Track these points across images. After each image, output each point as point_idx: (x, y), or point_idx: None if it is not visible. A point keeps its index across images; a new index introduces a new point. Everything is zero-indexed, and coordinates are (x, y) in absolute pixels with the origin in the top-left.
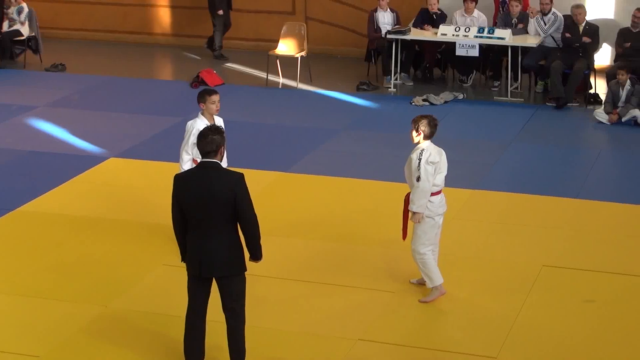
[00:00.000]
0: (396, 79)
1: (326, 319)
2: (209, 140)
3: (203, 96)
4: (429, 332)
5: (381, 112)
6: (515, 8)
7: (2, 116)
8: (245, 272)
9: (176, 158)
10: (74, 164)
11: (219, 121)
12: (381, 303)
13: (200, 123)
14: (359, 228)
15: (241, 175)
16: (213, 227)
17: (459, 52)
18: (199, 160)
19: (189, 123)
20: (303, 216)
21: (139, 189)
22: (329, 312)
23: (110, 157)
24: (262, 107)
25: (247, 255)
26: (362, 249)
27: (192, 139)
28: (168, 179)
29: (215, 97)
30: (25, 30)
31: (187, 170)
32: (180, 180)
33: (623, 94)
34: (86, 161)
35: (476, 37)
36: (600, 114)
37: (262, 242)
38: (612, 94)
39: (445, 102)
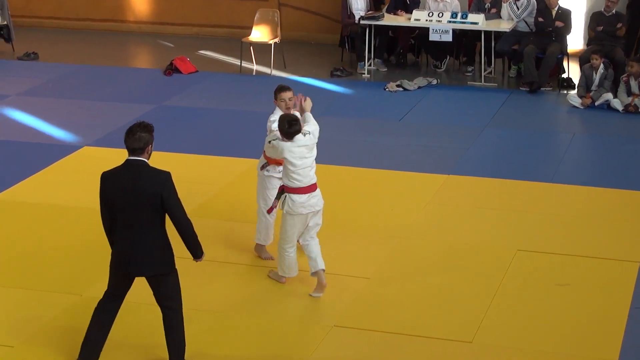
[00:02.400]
0: (370, 65)
1: (301, 306)
2: (136, 137)
3: (275, 93)
4: (404, 318)
5: (355, 98)
6: None
7: None
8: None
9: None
10: (48, 153)
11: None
12: (356, 289)
13: (276, 115)
14: (332, 214)
15: (168, 174)
16: (140, 226)
17: (433, 37)
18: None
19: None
20: None
21: None
22: (304, 299)
23: (84, 145)
24: (236, 94)
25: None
26: (335, 235)
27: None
28: None
29: (286, 95)
30: None
31: (114, 169)
32: (107, 178)
33: (596, 77)
34: (60, 150)
35: (449, 22)
36: (573, 98)
37: (238, 228)
38: (586, 78)
39: (419, 87)
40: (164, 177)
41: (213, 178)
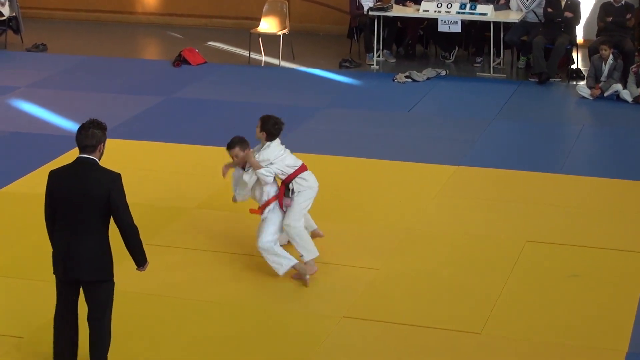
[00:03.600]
0: (378, 56)
1: (311, 296)
2: (89, 133)
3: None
4: (413, 309)
5: (363, 90)
6: None
7: None
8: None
9: (158, 137)
10: (57, 144)
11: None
12: (365, 280)
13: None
14: (340, 205)
15: (118, 175)
16: (83, 227)
17: (441, 28)
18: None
19: None
20: None
21: (122, 169)
22: (313, 290)
23: None
24: (244, 86)
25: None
26: (344, 227)
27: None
28: (150, 159)
29: (231, 152)
30: (5, 11)
31: (62, 166)
32: (54, 175)
33: (605, 68)
34: (69, 142)
35: (458, 13)
36: (582, 88)
37: (246, 220)
38: (595, 69)
39: (428, 78)
40: (113, 178)
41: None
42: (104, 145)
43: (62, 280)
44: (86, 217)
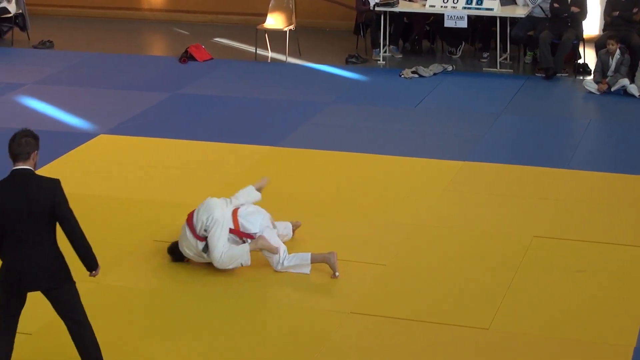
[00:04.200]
0: (385, 52)
1: (317, 292)
2: (23, 142)
3: None
4: (421, 304)
5: (370, 85)
6: None
7: None
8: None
9: (165, 133)
10: (64, 141)
11: None
12: (372, 276)
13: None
14: (346, 201)
15: (58, 181)
16: (33, 238)
17: (448, 23)
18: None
19: None
20: (292, 190)
21: (129, 166)
22: (320, 286)
23: (100, 133)
24: (251, 82)
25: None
26: (352, 222)
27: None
28: (158, 155)
29: None
30: (12, 8)
31: (3, 180)
32: None
33: (612, 63)
34: (76, 138)
35: (464, 8)
36: (589, 83)
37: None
38: (602, 64)
39: (435, 74)
40: (54, 185)
41: (228, 165)
42: (37, 154)
43: (14, 293)
44: (35, 228)
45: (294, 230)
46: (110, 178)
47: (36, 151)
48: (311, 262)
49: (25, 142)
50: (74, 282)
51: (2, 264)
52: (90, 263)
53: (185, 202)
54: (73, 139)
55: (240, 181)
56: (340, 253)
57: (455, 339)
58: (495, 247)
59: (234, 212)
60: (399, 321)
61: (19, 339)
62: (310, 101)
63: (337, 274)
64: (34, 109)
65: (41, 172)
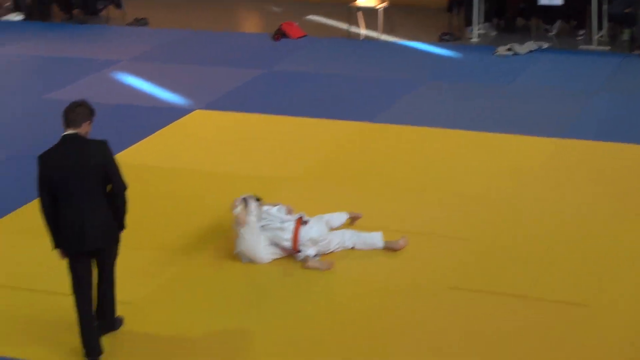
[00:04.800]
0: (479, 29)
1: (415, 268)
2: (75, 112)
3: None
4: (519, 280)
5: (464, 63)
6: None
7: (87, 71)
8: None
9: (259, 109)
10: (160, 116)
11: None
12: (471, 251)
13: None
14: (440, 177)
15: (105, 142)
16: (86, 198)
17: (542, 1)
18: None
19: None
20: (387, 165)
21: (224, 141)
22: (417, 262)
23: (195, 109)
24: (344, 59)
25: None
26: (445, 198)
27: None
28: (252, 130)
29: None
30: None
31: (51, 148)
32: (46, 158)
33: None
34: (172, 114)
35: None
36: None
37: (347, 192)
38: None
39: (530, 51)
40: (103, 146)
41: (322, 141)
42: (89, 125)
43: (79, 252)
44: (87, 188)
45: (352, 219)
46: (206, 153)
47: (89, 122)
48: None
49: (79, 111)
50: (119, 244)
51: (61, 226)
52: (122, 223)
53: (279, 177)
54: (169, 114)
55: (333, 157)
56: (435, 228)
57: (555, 315)
58: (592, 225)
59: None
60: (497, 296)
61: (118, 307)
62: (404, 78)
63: (401, 242)
64: (130, 85)
65: (138, 146)
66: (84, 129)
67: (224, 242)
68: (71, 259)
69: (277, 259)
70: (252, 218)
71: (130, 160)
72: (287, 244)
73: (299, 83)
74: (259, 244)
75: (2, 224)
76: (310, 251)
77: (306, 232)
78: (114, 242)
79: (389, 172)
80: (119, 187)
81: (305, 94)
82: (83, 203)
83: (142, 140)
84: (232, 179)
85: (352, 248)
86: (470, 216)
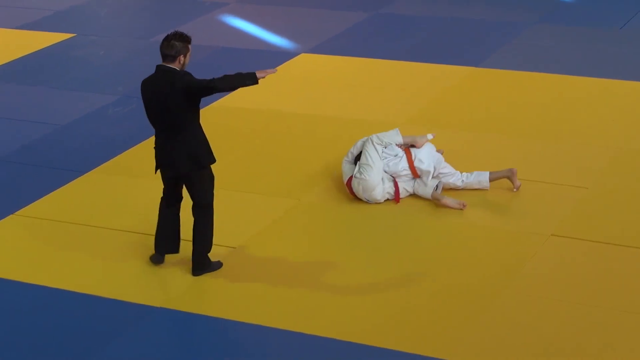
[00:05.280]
0: None
1: (519, 214)
2: (170, 44)
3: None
4: (624, 229)
5: (574, 5)
6: None
7: (195, 13)
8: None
9: (364, 53)
10: (265, 59)
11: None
12: (574, 198)
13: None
14: (549, 123)
15: (188, 73)
16: (174, 125)
17: None
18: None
19: None
20: (494, 111)
21: (329, 84)
22: (521, 208)
23: (301, 52)
24: (451, 1)
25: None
26: (553, 145)
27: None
28: (357, 74)
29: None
30: None
31: (149, 76)
32: (144, 84)
33: None
34: (277, 57)
35: None
36: None
37: (453, 135)
38: None
39: None
40: (184, 74)
41: (427, 86)
42: (185, 57)
43: (165, 176)
44: (175, 115)
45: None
46: (310, 96)
47: (184, 54)
48: (490, 180)
49: (171, 45)
50: (210, 169)
51: (156, 151)
52: (247, 82)
53: (384, 121)
54: (275, 57)
55: (440, 103)
56: (541, 175)
57: None
58: None
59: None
60: (601, 245)
61: (223, 251)
62: (513, 21)
63: (517, 183)
64: (237, 27)
65: (244, 90)
66: (179, 62)
67: (329, 184)
68: (162, 179)
69: (390, 199)
70: (378, 158)
71: (233, 104)
72: (406, 172)
73: (405, 26)
74: (380, 184)
75: (115, 164)
76: (431, 182)
77: (419, 160)
78: (200, 167)
79: (496, 118)
80: (212, 82)
81: (411, 38)
82: (171, 131)
83: None
84: (337, 123)
85: (463, 187)
86: (591, 164)
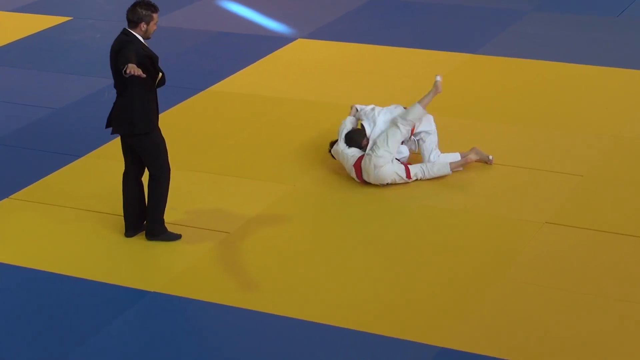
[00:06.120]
0: None
1: (514, 201)
2: (134, 10)
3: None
4: (617, 217)
5: None
6: None
7: None
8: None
9: (362, 39)
10: (262, 44)
11: None
12: (569, 186)
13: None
14: (545, 110)
15: (130, 42)
16: (120, 88)
17: None
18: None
19: None
20: (490, 98)
21: (324, 70)
22: (516, 195)
23: (298, 37)
24: None
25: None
26: (549, 132)
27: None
28: (354, 60)
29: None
30: None
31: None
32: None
33: None
34: (274, 42)
35: None
36: None
37: (449, 121)
38: None
39: None
40: (129, 45)
41: (425, 72)
42: (147, 24)
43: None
44: (117, 79)
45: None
46: (306, 82)
47: (145, 22)
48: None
49: (135, 11)
50: (146, 136)
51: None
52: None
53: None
54: (272, 42)
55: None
56: (537, 163)
57: None
58: None
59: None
60: (594, 232)
61: (218, 236)
62: (510, 9)
63: (490, 157)
64: (233, 12)
65: (240, 75)
66: (141, 29)
67: (324, 170)
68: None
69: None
70: (398, 142)
71: (230, 89)
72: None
73: (404, 12)
74: (390, 163)
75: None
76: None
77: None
78: (140, 131)
79: (492, 104)
80: (119, 62)
81: (409, 24)
82: (119, 93)
83: (243, 69)
84: (333, 108)
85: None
86: (587, 152)
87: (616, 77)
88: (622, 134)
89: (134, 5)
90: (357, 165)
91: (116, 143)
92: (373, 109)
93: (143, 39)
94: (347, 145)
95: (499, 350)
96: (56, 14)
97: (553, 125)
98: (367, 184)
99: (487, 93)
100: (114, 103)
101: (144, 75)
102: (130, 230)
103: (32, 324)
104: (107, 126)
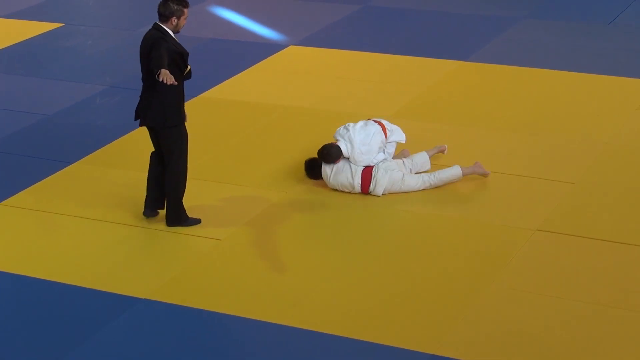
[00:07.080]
0: None
1: (504, 208)
2: (166, 4)
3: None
4: (609, 224)
5: (564, 0)
6: None
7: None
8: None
9: (354, 46)
10: (255, 51)
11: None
12: (561, 194)
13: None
14: (537, 117)
15: (162, 37)
16: (147, 83)
17: None
18: None
19: None
20: (482, 105)
21: (317, 77)
22: (507, 202)
23: (289, 44)
24: None
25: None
26: (540, 139)
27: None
28: (346, 67)
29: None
30: None
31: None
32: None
33: None
34: (266, 49)
35: None
36: None
37: (441, 128)
38: None
39: None
40: (162, 40)
41: (416, 79)
42: (177, 20)
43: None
44: (148, 73)
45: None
46: (298, 89)
47: (176, 17)
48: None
49: (167, 5)
50: (179, 129)
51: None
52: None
53: (372, 115)
54: (264, 49)
55: (427, 96)
56: (527, 170)
57: None
58: None
59: None
60: (585, 240)
61: (209, 243)
62: (502, 16)
63: (487, 172)
64: (226, 18)
65: (232, 82)
66: (172, 23)
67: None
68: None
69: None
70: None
71: (222, 96)
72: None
73: (395, 19)
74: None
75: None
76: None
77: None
78: (164, 125)
79: (483, 111)
80: (152, 64)
81: (401, 31)
82: (147, 87)
83: (235, 76)
84: (326, 115)
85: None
86: (578, 159)
87: (608, 84)
88: (614, 142)
89: (165, 0)
90: (366, 173)
91: (108, 149)
92: (347, 129)
93: (173, 32)
94: (324, 162)
95: (490, 357)
96: (48, 20)
97: (545, 132)
98: (367, 194)
99: (478, 100)
100: (141, 96)
101: (176, 83)
102: (148, 209)
103: (22, 330)
104: (135, 118)
